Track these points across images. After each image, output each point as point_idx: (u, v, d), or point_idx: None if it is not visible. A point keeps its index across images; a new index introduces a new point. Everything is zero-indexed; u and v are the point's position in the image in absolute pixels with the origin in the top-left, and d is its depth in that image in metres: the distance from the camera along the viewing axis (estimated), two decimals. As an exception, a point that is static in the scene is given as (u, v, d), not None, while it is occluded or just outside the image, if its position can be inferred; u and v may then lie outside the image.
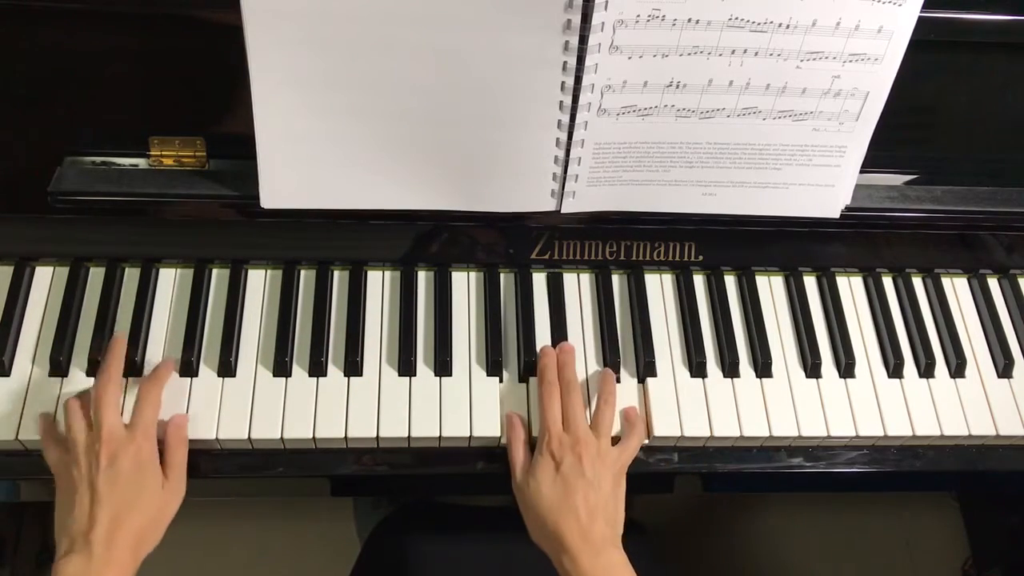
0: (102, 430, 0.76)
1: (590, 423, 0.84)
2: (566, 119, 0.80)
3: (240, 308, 0.91)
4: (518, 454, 0.83)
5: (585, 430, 0.82)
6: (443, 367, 0.89)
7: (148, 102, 0.86)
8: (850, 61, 0.79)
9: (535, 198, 0.87)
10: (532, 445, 0.85)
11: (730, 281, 0.98)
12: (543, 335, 0.92)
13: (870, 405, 0.91)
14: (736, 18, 0.75)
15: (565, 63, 0.76)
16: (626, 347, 0.93)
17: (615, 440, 0.85)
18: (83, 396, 0.81)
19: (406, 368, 0.89)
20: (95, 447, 0.75)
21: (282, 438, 0.84)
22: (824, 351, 0.94)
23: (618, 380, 0.90)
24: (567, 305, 0.94)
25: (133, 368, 0.86)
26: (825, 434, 0.89)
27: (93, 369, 0.86)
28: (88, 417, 0.78)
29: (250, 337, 0.90)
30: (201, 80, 0.84)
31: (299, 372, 0.88)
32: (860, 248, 0.98)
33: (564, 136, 0.82)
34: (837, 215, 0.91)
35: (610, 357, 0.91)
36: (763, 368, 0.92)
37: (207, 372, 0.87)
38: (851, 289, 0.99)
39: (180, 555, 1.55)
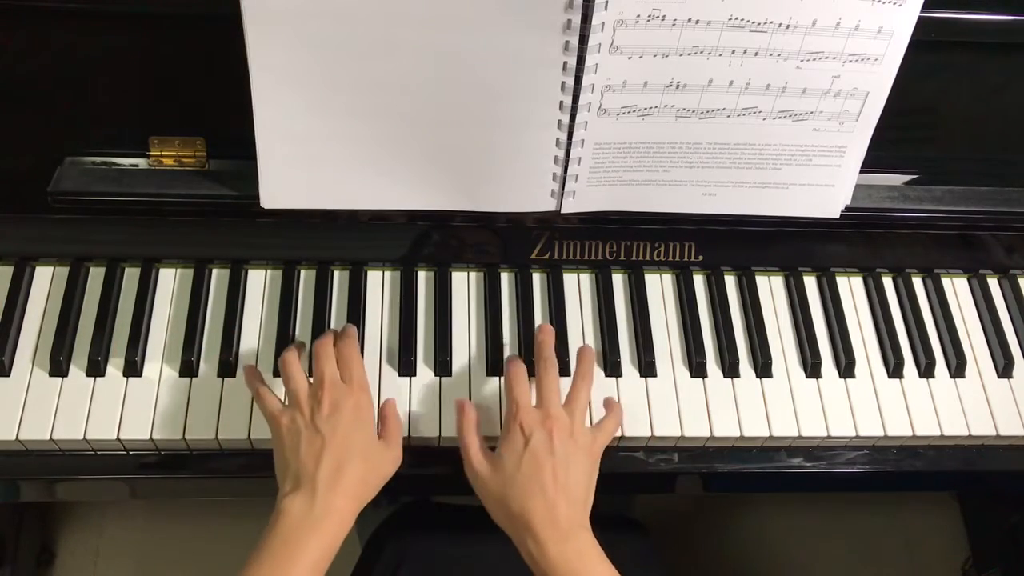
0: (324, 379, 0.78)
1: (564, 401, 0.82)
2: (566, 119, 0.80)
3: (240, 308, 0.91)
4: (471, 436, 0.80)
5: (557, 407, 0.80)
6: (443, 367, 0.89)
7: (148, 102, 0.86)
8: (850, 61, 0.79)
9: (535, 198, 0.87)
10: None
11: (730, 281, 0.98)
12: (543, 335, 0.92)
13: (870, 405, 0.91)
14: (736, 18, 0.75)
15: (565, 63, 0.76)
16: (626, 347, 0.93)
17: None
18: (295, 349, 0.83)
19: (406, 368, 0.89)
20: (317, 395, 0.78)
21: (282, 438, 0.84)
22: (824, 351, 0.94)
23: (619, 375, 0.90)
24: (567, 305, 0.94)
25: (133, 369, 0.86)
26: (825, 434, 0.89)
27: (93, 369, 0.86)
28: (304, 371, 0.81)
29: (250, 337, 0.90)
30: (201, 80, 0.84)
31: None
32: (860, 248, 0.98)
33: (564, 136, 0.82)
34: (837, 215, 0.91)
35: (610, 357, 0.91)
36: (763, 368, 0.92)
37: (207, 372, 0.87)
38: (851, 289, 0.99)
39: (180, 555, 1.55)
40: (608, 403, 0.87)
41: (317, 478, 0.73)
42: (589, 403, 0.85)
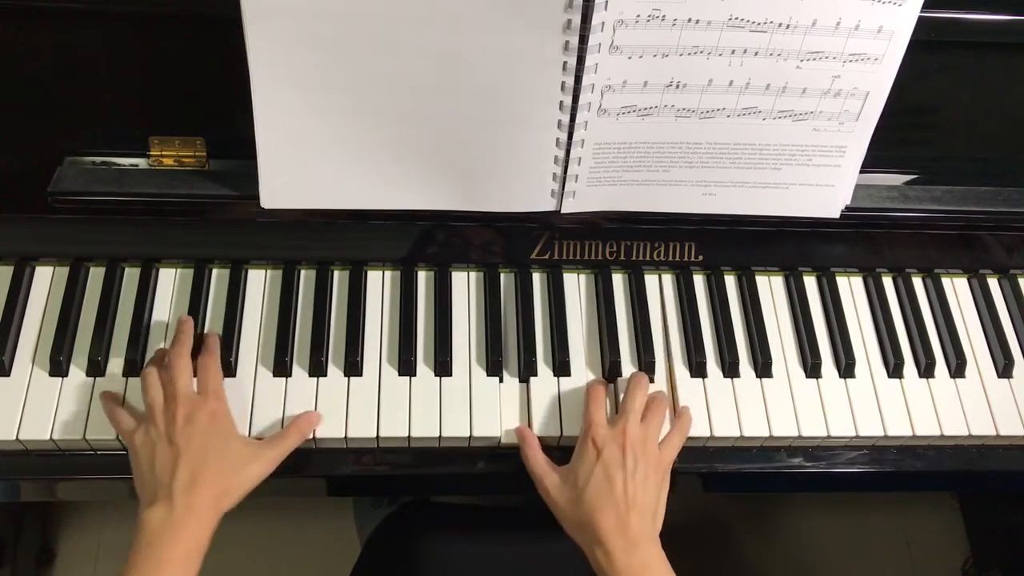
0: (177, 393, 0.79)
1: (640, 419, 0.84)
2: (566, 119, 0.80)
3: (240, 308, 0.91)
4: (540, 461, 0.83)
5: (634, 424, 0.82)
6: (443, 367, 0.89)
7: (148, 102, 0.86)
8: (850, 61, 0.79)
9: (535, 198, 0.87)
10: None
11: (730, 281, 0.98)
12: (543, 335, 0.92)
13: (870, 405, 0.91)
14: (736, 18, 0.75)
15: (565, 63, 0.76)
16: (626, 347, 0.93)
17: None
18: (156, 367, 0.82)
19: (406, 368, 0.89)
20: (171, 408, 0.78)
21: (282, 438, 0.84)
22: (824, 351, 0.94)
23: (619, 375, 0.90)
24: (567, 305, 0.94)
25: (133, 368, 0.86)
26: (825, 434, 0.89)
27: (93, 369, 0.86)
28: (163, 384, 0.80)
29: (250, 337, 0.90)
30: (201, 80, 0.84)
31: (299, 372, 0.88)
32: (860, 248, 0.98)
33: (564, 136, 0.82)
34: (837, 215, 0.91)
35: (610, 357, 0.91)
36: (763, 368, 0.92)
37: (207, 372, 0.87)
38: (851, 289, 0.99)
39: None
40: (679, 414, 0.87)
41: (173, 487, 0.74)
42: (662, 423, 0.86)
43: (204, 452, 0.76)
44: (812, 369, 0.93)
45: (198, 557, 0.74)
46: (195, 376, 0.82)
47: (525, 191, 0.86)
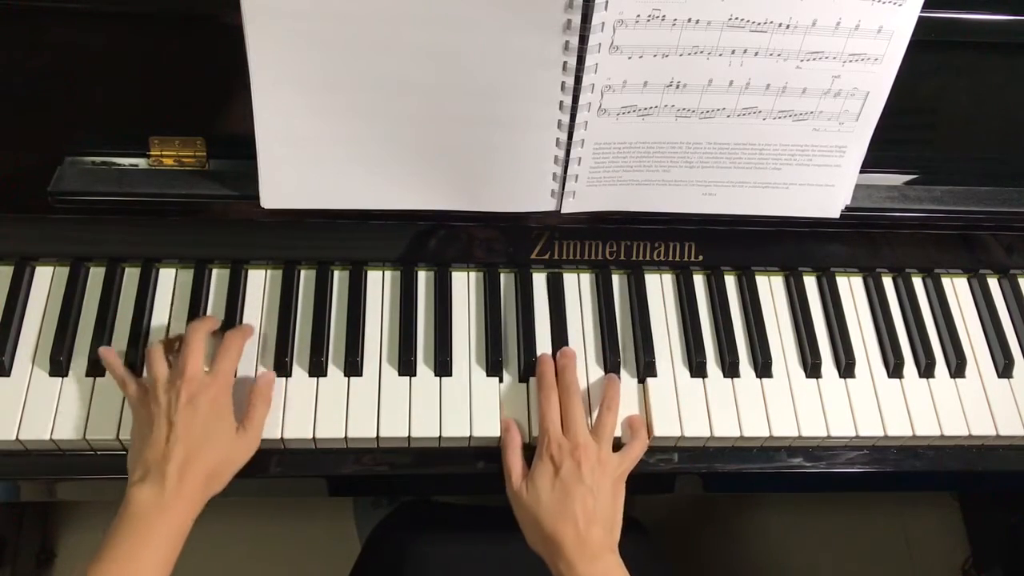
0: (185, 371, 0.79)
1: (591, 428, 0.84)
2: (566, 119, 0.80)
3: (240, 308, 0.91)
4: (514, 460, 0.83)
5: (585, 435, 0.82)
6: (443, 367, 0.89)
7: (148, 102, 0.86)
8: (850, 61, 0.79)
9: (535, 198, 0.87)
10: (530, 449, 0.85)
11: (730, 281, 0.98)
12: (543, 335, 0.92)
13: (870, 405, 0.91)
14: (736, 18, 0.75)
15: (565, 63, 0.76)
16: (626, 347, 0.93)
17: (617, 447, 0.85)
18: (164, 341, 0.85)
19: (406, 368, 0.89)
20: (176, 385, 0.78)
21: (282, 438, 0.85)
22: (824, 351, 0.94)
23: (618, 375, 0.90)
24: (567, 305, 0.94)
25: (133, 369, 0.86)
26: (825, 434, 0.89)
27: (93, 369, 0.86)
28: (168, 360, 0.82)
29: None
30: (201, 80, 0.84)
31: (299, 372, 0.88)
32: (860, 248, 0.98)
33: (564, 136, 0.82)
34: (837, 215, 0.91)
35: (610, 357, 0.91)
36: (763, 368, 0.92)
37: (207, 372, 0.87)
38: (851, 289, 0.99)
39: (180, 555, 1.55)
40: (634, 425, 0.87)
41: (167, 469, 0.74)
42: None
43: (200, 437, 0.77)
44: (812, 369, 0.93)
45: (181, 539, 0.75)
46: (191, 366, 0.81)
47: (525, 191, 0.86)
